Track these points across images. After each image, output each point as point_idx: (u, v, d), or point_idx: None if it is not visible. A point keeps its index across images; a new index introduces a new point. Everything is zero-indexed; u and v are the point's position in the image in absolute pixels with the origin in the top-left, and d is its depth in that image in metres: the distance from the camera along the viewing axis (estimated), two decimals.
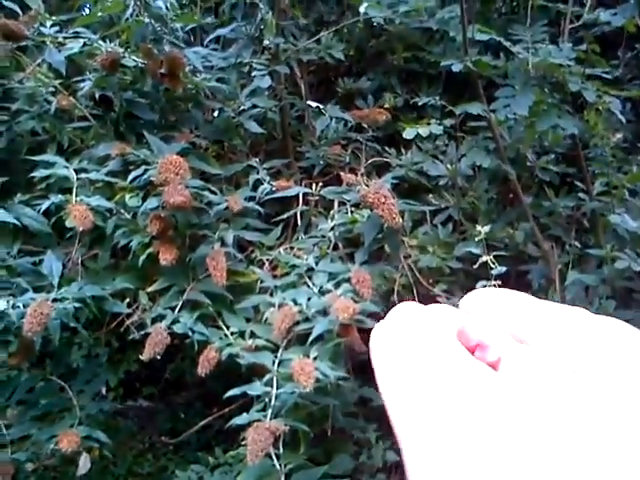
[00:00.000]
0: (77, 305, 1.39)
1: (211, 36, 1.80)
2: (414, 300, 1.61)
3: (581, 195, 1.64)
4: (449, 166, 1.53)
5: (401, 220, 1.40)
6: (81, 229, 1.40)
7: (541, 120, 1.35)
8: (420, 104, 1.53)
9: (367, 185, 1.49)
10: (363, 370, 1.47)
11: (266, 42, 1.68)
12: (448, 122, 1.51)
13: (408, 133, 1.41)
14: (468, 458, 0.20)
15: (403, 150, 1.73)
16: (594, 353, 0.23)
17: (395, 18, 1.66)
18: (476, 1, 1.97)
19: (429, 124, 1.44)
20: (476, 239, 1.30)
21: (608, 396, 0.21)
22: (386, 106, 1.78)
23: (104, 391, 1.73)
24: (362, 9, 1.56)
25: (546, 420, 0.20)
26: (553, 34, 1.68)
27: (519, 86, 1.39)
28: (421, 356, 0.25)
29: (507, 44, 1.39)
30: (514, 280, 1.61)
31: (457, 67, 1.33)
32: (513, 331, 0.26)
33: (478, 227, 1.32)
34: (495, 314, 0.27)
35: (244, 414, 1.32)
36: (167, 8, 1.63)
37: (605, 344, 0.23)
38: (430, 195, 1.61)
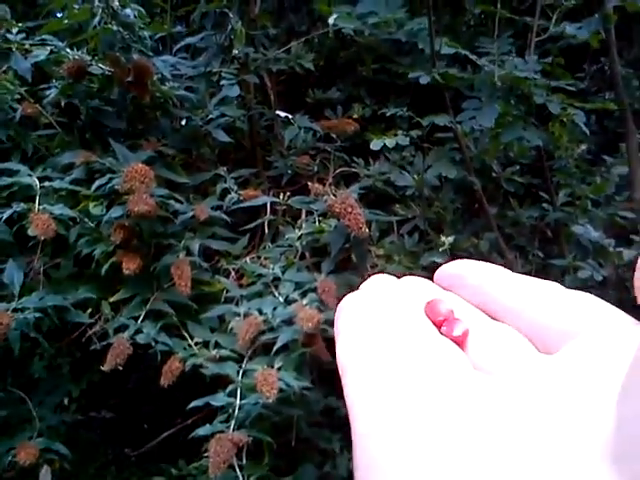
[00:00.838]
0: (38, 315, 1.37)
1: (180, 45, 1.79)
2: None
3: (545, 205, 1.66)
4: (416, 176, 1.54)
5: (367, 230, 1.40)
6: (43, 238, 1.38)
7: (506, 132, 1.36)
8: (388, 115, 1.53)
9: (334, 195, 1.49)
10: (328, 380, 1.46)
11: (235, 52, 1.67)
12: (415, 133, 1.51)
13: (375, 144, 1.42)
14: (406, 440, 0.20)
15: (371, 160, 1.74)
16: (565, 328, 0.23)
17: (364, 29, 1.67)
18: (445, 13, 1.99)
19: (396, 135, 1.44)
20: (440, 249, 1.31)
21: (554, 389, 0.20)
22: (355, 116, 1.79)
23: (66, 402, 1.70)
24: (331, 20, 1.57)
25: (479, 410, 0.20)
26: (521, 46, 1.70)
27: (485, 98, 1.40)
28: (381, 329, 0.24)
29: (473, 57, 1.41)
30: None
31: (424, 79, 1.34)
32: (486, 304, 0.26)
33: (443, 237, 1.33)
34: (469, 286, 0.27)
35: (207, 425, 1.31)
36: (135, 16, 1.63)
37: (576, 318, 0.23)
38: (397, 205, 1.62)
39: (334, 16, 1.60)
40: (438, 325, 0.25)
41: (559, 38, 1.58)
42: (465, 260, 0.29)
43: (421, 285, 0.29)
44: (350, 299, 0.27)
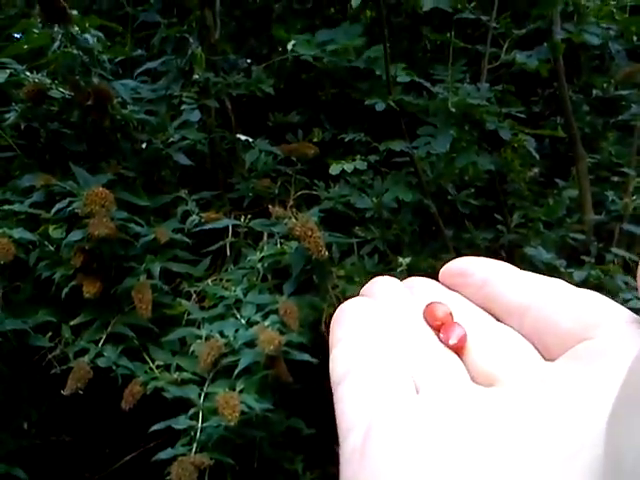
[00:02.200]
0: None
1: (141, 69, 1.81)
2: None
3: (500, 227, 1.71)
4: (375, 199, 1.57)
5: (327, 252, 1.43)
6: (2, 262, 1.37)
7: (460, 157, 1.41)
8: (346, 140, 1.57)
9: (295, 218, 1.52)
10: (291, 401, 1.47)
11: (196, 76, 1.69)
12: (373, 158, 1.55)
13: (334, 169, 1.45)
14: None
15: (331, 183, 1.77)
16: (569, 329, 0.22)
17: (323, 57, 1.71)
18: (402, 39, 2.04)
19: (354, 160, 1.48)
20: (399, 269, 1.34)
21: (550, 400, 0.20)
22: (315, 140, 1.82)
23: (26, 426, 1.68)
24: (289, 46, 1.60)
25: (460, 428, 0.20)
26: (476, 73, 1.76)
27: (440, 124, 1.45)
28: (379, 339, 0.24)
29: (427, 84, 1.45)
30: None
31: (380, 106, 1.38)
32: (490, 303, 0.26)
33: (400, 258, 1.36)
34: (473, 285, 0.27)
35: (169, 449, 1.31)
36: (97, 40, 1.63)
37: (581, 319, 0.22)
38: (357, 227, 1.65)
39: (292, 42, 1.64)
40: (437, 329, 0.25)
41: (511, 65, 1.64)
42: (469, 257, 0.28)
43: (424, 286, 0.28)
44: (350, 305, 0.27)
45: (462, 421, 0.20)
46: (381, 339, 0.25)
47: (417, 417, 0.20)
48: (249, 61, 1.90)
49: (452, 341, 0.24)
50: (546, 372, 0.21)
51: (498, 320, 0.25)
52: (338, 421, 0.22)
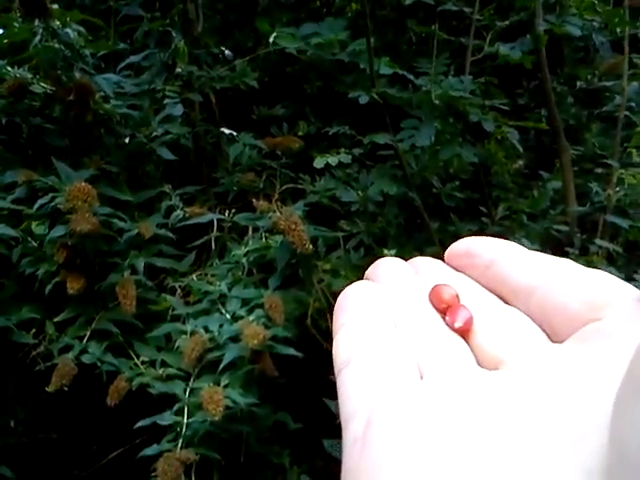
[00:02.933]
0: None
1: (123, 63, 1.79)
2: (328, 322, 1.63)
3: (484, 220, 1.71)
4: (360, 193, 1.57)
5: (312, 246, 1.43)
6: None
7: (444, 149, 1.41)
8: (330, 133, 1.57)
9: (280, 212, 1.51)
10: (277, 395, 1.47)
11: (179, 70, 1.68)
12: (357, 151, 1.55)
13: (318, 162, 1.45)
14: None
15: (317, 177, 1.76)
16: (576, 311, 0.21)
17: (307, 50, 1.70)
18: (387, 32, 2.04)
19: (339, 153, 1.47)
20: None
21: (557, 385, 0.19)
22: (300, 134, 1.82)
23: (12, 424, 1.67)
24: (271, 39, 1.59)
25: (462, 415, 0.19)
26: (460, 65, 1.75)
27: (424, 117, 1.44)
28: (385, 323, 0.24)
29: (411, 77, 1.45)
30: None
31: (364, 99, 1.38)
32: (497, 284, 0.25)
33: (386, 251, 1.36)
34: (479, 266, 0.26)
35: (154, 445, 1.31)
36: (79, 34, 1.62)
37: (589, 300, 0.21)
38: (342, 221, 1.65)
39: (274, 34, 1.63)
40: (442, 312, 0.25)
41: (495, 58, 1.64)
42: (476, 237, 0.28)
43: (430, 267, 0.28)
44: (353, 289, 0.26)
45: (465, 408, 0.20)
46: (385, 324, 0.24)
47: (419, 404, 0.20)
48: (230, 53, 1.88)
49: (458, 324, 0.23)
50: (552, 355, 0.21)
51: (505, 301, 0.25)
52: (340, 408, 0.22)
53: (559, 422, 0.18)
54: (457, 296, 0.25)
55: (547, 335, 0.22)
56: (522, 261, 0.25)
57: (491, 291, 0.26)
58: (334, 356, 0.24)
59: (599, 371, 0.19)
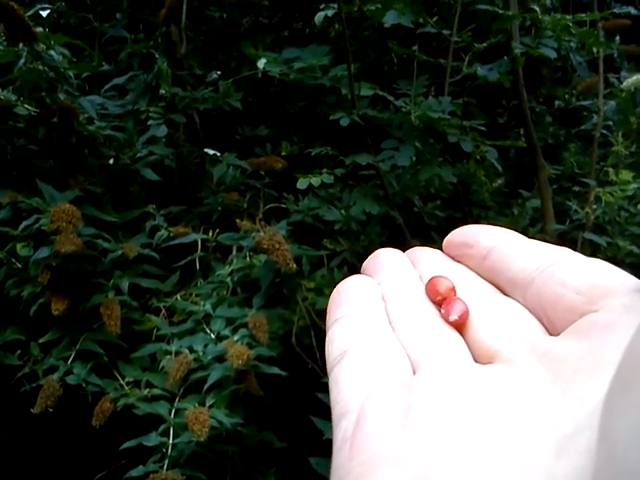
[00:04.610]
0: None
1: (108, 85, 1.81)
2: (313, 340, 1.64)
3: None
4: (343, 212, 1.59)
5: (295, 265, 1.44)
6: None
7: (423, 170, 1.43)
8: (313, 154, 1.59)
9: (263, 231, 1.53)
10: (262, 415, 1.48)
11: (162, 91, 1.70)
12: (339, 171, 1.57)
13: (301, 183, 1.46)
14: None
15: (300, 196, 1.78)
16: (573, 301, 0.21)
17: (290, 73, 1.72)
18: (368, 53, 2.07)
19: (321, 173, 1.49)
20: None
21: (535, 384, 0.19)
22: (283, 154, 1.83)
23: None
24: (261, 65, 1.61)
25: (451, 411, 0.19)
26: (440, 85, 1.78)
27: (405, 138, 1.47)
28: (371, 316, 0.24)
29: (391, 98, 1.48)
30: None
31: (345, 122, 1.40)
32: (494, 274, 0.25)
33: None
34: (476, 256, 0.26)
35: (140, 466, 1.31)
36: (63, 56, 1.63)
37: (587, 290, 0.21)
38: (326, 240, 1.66)
39: (263, 61, 1.65)
40: (439, 304, 0.24)
41: (475, 78, 1.67)
42: (473, 226, 0.27)
43: (428, 258, 0.28)
44: (347, 284, 0.26)
45: (456, 406, 0.19)
46: (379, 319, 0.24)
47: (409, 403, 0.20)
48: (219, 73, 1.90)
49: (452, 317, 0.23)
50: (546, 349, 0.20)
51: (503, 292, 0.24)
52: (332, 405, 0.22)
53: (550, 418, 0.18)
54: (453, 288, 0.24)
55: (545, 326, 0.22)
56: (520, 250, 0.24)
57: (489, 281, 0.25)
58: (327, 352, 0.24)
59: (592, 366, 0.19)
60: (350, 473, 0.19)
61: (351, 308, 0.25)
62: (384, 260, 0.28)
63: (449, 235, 0.28)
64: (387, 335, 0.23)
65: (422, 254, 0.28)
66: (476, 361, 0.22)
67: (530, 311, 0.23)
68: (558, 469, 0.16)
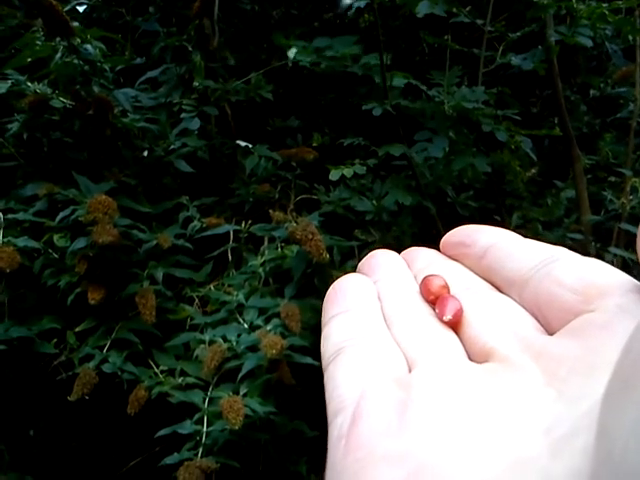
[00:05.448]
0: (2, 347, 1.38)
1: (142, 78, 1.82)
2: None
3: None
4: (374, 202, 1.59)
5: (328, 255, 1.44)
6: (7, 271, 1.39)
7: (457, 160, 1.42)
8: (345, 144, 1.58)
9: (296, 222, 1.53)
10: (294, 404, 1.49)
11: (195, 84, 1.71)
12: (372, 162, 1.56)
13: (333, 175, 1.46)
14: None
15: (331, 187, 1.78)
16: (569, 302, 0.21)
17: (321, 62, 1.72)
18: (400, 44, 2.06)
19: (353, 164, 1.49)
20: None
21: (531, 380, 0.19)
22: (314, 145, 1.84)
23: (32, 433, 1.69)
24: (291, 55, 1.62)
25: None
26: (474, 76, 1.77)
27: (437, 128, 1.46)
28: (366, 314, 0.24)
29: (424, 88, 1.47)
30: None
31: (377, 111, 1.40)
32: (491, 273, 0.25)
33: None
34: (473, 255, 0.26)
35: (175, 453, 1.32)
36: (96, 51, 1.65)
37: (583, 289, 0.21)
38: (357, 230, 1.66)
39: (294, 50, 1.65)
40: (433, 303, 0.24)
41: (508, 68, 1.66)
42: (471, 225, 0.27)
43: (424, 258, 0.28)
44: (343, 282, 0.26)
45: (450, 405, 0.19)
46: (375, 317, 0.24)
47: (404, 401, 0.20)
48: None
49: (447, 317, 0.23)
50: (542, 348, 0.20)
51: (500, 290, 0.24)
52: (327, 402, 0.22)
53: (546, 419, 0.18)
54: (446, 286, 0.24)
55: (541, 326, 0.22)
56: (516, 250, 0.24)
57: (486, 280, 0.25)
58: (322, 349, 0.24)
59: (588, 366, 0.18)
60: (345, 470, 0.19)
61: (347, 306, 0.25)
62: (380, 260, 0.28)
63: (446, 235, 0.28)
64: (383, 333, 0.23)
65: (419, 254, 0.28)
66: (471, 359, 0.22)
67: (526, 310, 0.23)
68: (554, 469, 0.16)
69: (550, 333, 0.21)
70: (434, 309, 0.24)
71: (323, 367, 0.23)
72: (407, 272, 0.27)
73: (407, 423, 0.19)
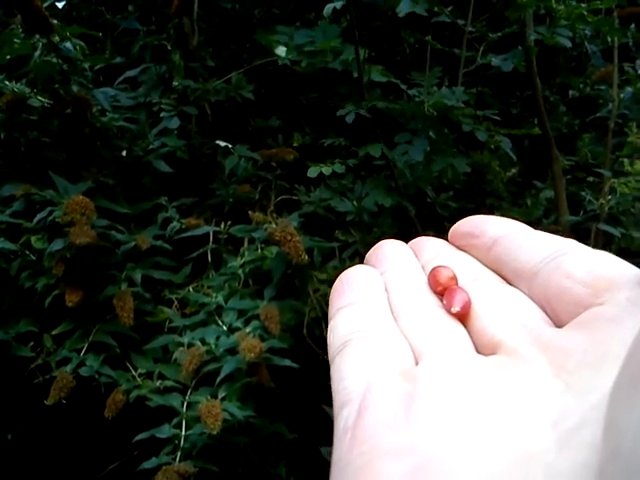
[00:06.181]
0: None
1: (121, 78, 1.81)
2: (322, 332, 1.64)
3: None
4: (355, 203, 1.58)
5: (307, 257, 1.43)
6: None
7: (437, 160, 1.42)
8: (326, 145, 1.58)
9: (275, 222, 1.52)
10: (273, 406, 1.48)
11: (175, 83, 1.70)
12: (352, 161, 1.56)
13: (311, 172, 1.46)
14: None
15: (312, 187, 1.77)
16: (578, 294, 0.21)
17: (302, 59, 1.71)
18: (381, 43, 2.05)
19: (333, 163, 1.49)
20: None
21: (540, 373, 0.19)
22: (295, 145, 1.83)
23: (9, 437, 1.67)
24: (282, 54, 1.60)
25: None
26: (454, 76, 1.77)
27: (419, 129, 1.45)
28: (373, 306, 0.24)
29: (404, 87, 1.46)
30: None
31: (350, 118, 1.39)
32: (500, 265, 0.25)
33: None
34: (482, 246, 0.25)
35: (153, 458, 1.31)
36: (76, 49, 1.63)
37: (592, 282, 0.21)
38: (337, 231, 1.66)
39: (283, 49, 1.64)
40: (441, 295, 0.24)
41: (488, 68, 1.66)
42: (480, 216, 0.27)
43: (432, 248, 0.27)
44: (350, 274, 0.26)
45: (457, 398, 0.19)
46: (382, 308, 0.24)
47: (411, 394, 0.20)
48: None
49: (455, 309, 0.23)
50: (550, 340, 0.20)
51: (508, 282, 0.24)
52: (333, 395, 0.21)
53: (553, 412, 0.18)
54: (454, 278, 0.24)
55: (550, 318, 0.22)
56: (526, 241, 0.24)
57: (494, 272, 0.25)
58: (329, 341, 0.24)
59: (596, 359, 0.18)
60: (351, 464, 0.19)
61: (354, 297, 0.25)
62: (387, 251, 0.28)
63: (455, 225, 0.27)
64: (390, 325, 0.23)
65: (426, 244, 0.28)
66: (479, 352, 0.22)
67: (535, 302, 0.22)
68: (561, 463, 0.16)
69: (559, 326, 0.21)
70: (442, 301, 0.24)
71: (329, 359, 0.23)
72: (415, 263, 0.27)
73: (413, 416, 0.19)
